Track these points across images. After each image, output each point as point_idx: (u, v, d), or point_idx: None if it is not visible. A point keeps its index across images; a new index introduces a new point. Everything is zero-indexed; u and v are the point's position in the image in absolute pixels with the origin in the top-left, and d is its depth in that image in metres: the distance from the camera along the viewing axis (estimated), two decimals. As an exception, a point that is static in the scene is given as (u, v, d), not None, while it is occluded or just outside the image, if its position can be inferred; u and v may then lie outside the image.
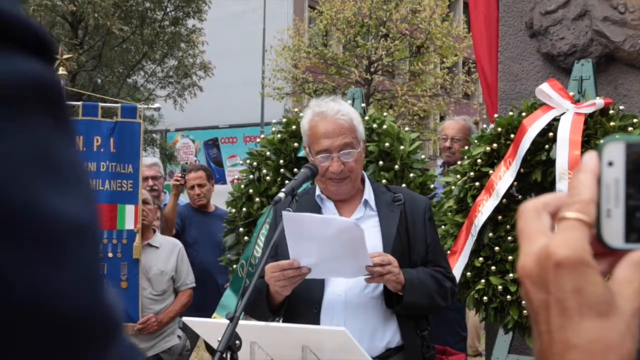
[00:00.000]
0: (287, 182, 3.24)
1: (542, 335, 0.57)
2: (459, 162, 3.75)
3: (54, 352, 0.35)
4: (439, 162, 5.83)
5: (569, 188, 0.59)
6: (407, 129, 3.94)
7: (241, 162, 4.32)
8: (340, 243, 2.16)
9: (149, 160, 5.62)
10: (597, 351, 0.54)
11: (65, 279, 0.36)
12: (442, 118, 18.55)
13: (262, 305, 2.36)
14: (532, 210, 0.60)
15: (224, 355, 1.75)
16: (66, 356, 0.36)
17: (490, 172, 3.47)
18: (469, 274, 3.43)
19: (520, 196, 3.51)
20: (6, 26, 0.37)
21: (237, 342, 1.78)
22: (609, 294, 0.55)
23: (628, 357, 0.54)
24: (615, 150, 0.58)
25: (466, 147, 3.76)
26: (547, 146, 3.36)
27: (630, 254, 0.58)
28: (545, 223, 0.59)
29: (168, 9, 19.41)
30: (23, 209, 0.35)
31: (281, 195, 2.21)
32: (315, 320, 2.36)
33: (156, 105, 6.12)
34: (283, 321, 2.52)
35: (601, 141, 0.59)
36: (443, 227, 3.57)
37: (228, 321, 1.83)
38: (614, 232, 0.58)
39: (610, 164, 0.58)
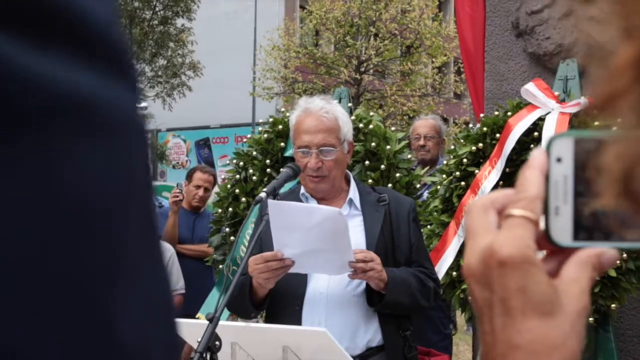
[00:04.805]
0: (272, 182, 3.23)
1: (486, 336, 0.56)
2: (444, 162, 3.76)
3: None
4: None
5: (516, 185, 0.58)
6: (393, 128, 3.95)
7: (228, 162, 4.33)
8: (323, 233, 2.16)
9: None
10: (540, 351, 0.53)
11: None
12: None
13: (245, 301, 2.36)
14: (479, 207, 0.58)
15: (204, 356, 1.74)
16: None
17: (476, 171, 3.47)
18: (454, 273, 3.43)
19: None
20: (105, 45, 0.32)
21: (217, 342, 1.77)
22: (553, 293, 0.54)
23: (572, 358, 0.53)
24: (563, 146, 0.56)
25: (439, 145, 3.79)
26: (532, 145, 3.36)
27: (578, 253, 0.56)
28: (491, 220, 0.57)
29: (157, 9, 19.37)
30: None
31: (262, 194, 2.21)
32: (297, 317, 2.35)
33: (143, 104, 6.13)
34: (265, 317, 2.52)
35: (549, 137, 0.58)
36: (429, 226, 3.57)
37: (208, 322, 1.82)
38: (563, 230, 0.56)
39: (559, 160, 0.56)
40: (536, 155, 0.58)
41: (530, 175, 0.57)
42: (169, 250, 4.41)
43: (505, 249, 0.54)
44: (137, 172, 0.34)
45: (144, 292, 0.33)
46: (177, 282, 4.37)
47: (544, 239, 0.56)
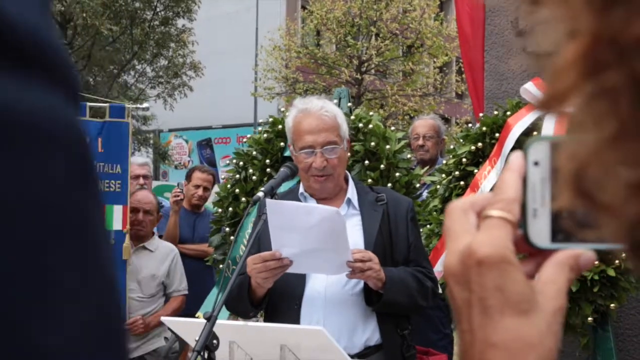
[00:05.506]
0: (271, 181, 3.24)
1: (464, 334, 0.56)
2: (444, 161, 3.76)
3: None
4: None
5: (495, 187, 0.59)
6: (392, 128, 3.95)
7: (228, 162, 4.34)
8: (322, 232, 2.17)
9: (140, 159, 5.74)
10: (517, 349, 0.54)
11: None
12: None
13: (244, 300, 2.37)
14: (458, 209, 0.59)
15: (202, 354, 1.75)
16: None
17: (475, 171, 3.47)
18: (454, 272, 3.43)
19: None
20: (35, 49, 0.30)
21: (215, 341, 1.77)
22: (530, 292, 0.55)
23: (548, 356, 0.54)
24: (540, 150, 0.58)
25: (438, 145, 3.80)
26: (531, 145, 3.36)
27: (555, 254, 0.58)
28: (471, 222, 0.58)
29: (157, 9, 19.38)
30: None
31: (260, 194, 2.21)
32: (296, 316, 2.36)
33: (145, 105, 6.15)
34: (264, 317, 2.53)
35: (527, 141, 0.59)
36: (428, 226, 3.57)
37: (205, 321, 1.83)
38: (541, 232, 0.57)
39: (536, 163, 0.58)
40: (514, 158, 0.59)
41: (509, 178, 0.58)
42: (172, 250, 4.43)
43: (483, 249, 0.55)
44: (65, 182, 0.32)
45: (72, 306, 0.31)
46: (181, 282, 4.40)
47: (523, 241, 0.58)
